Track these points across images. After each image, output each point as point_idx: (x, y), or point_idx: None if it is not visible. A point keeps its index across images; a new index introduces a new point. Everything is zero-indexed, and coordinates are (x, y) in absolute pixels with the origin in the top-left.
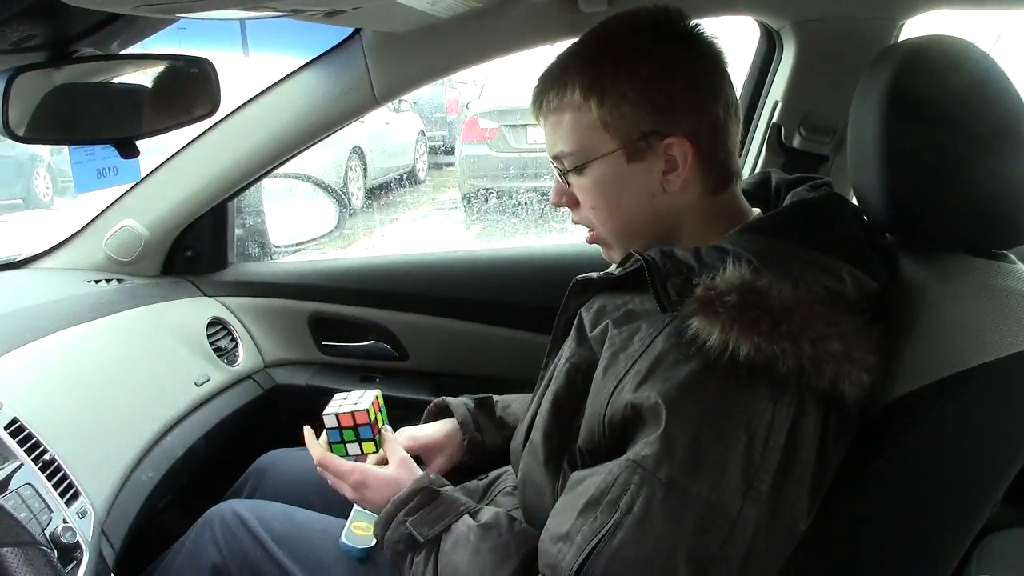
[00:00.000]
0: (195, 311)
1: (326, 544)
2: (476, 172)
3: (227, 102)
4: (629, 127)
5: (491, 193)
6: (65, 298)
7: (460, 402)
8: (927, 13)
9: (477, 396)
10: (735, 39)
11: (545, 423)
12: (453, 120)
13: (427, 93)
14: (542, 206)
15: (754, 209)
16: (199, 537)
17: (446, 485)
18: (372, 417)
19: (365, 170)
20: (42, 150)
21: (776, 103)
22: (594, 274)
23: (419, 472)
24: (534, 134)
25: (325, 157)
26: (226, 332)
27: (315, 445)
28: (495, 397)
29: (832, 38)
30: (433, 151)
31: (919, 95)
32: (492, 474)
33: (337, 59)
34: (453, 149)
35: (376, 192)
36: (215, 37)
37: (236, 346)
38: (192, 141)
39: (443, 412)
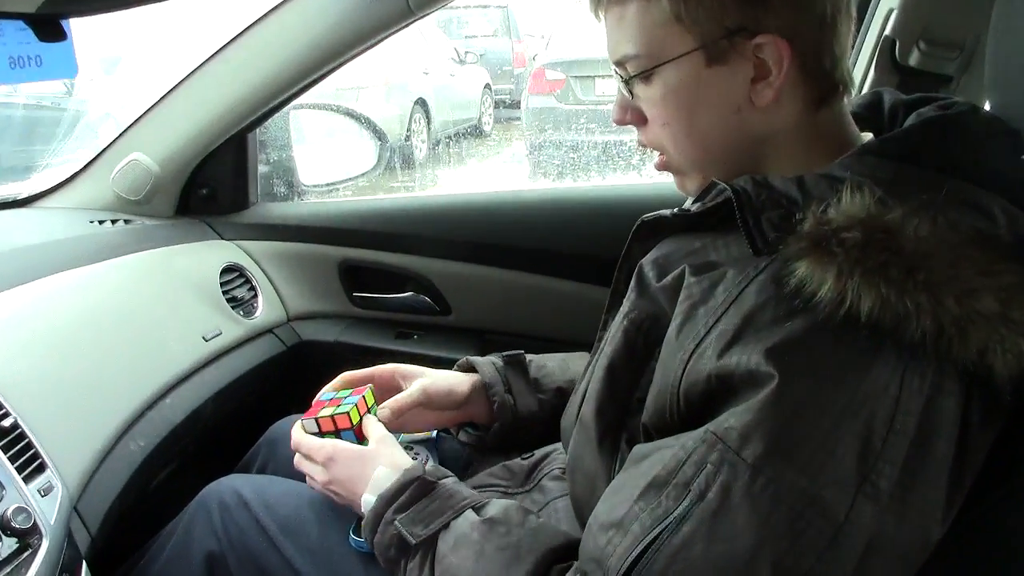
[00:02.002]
0: (208, 256)
1: (339, 532)
2: (542, 124)
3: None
4: (710, 21)
5: (558, 146)
6: (60, 240)
7: (487, 360)
8: None
9: (507, 353)
10: None
11: (598, 395)
12: (520, 73)
13: (494, 47)
14: (610, 159)
15: (865, 134)
16: (193, 520)
17: (447, 476)
18: (355, 422)
19: (429, 123)
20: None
21: (890, 11)
22: (666, 211)
23: (403, 455)
24: (602, 86)
25: (388, 109)
26: (244, 280)
27: (297, 428)
28: (528, 356)
29: None
30: (499, 105)
31: None
32: (539, 452)
33: None
34: (519, 103)
35: (440, 145)
36: None
37: (255, 296)
38: (204, 62)
39: (472, 372)
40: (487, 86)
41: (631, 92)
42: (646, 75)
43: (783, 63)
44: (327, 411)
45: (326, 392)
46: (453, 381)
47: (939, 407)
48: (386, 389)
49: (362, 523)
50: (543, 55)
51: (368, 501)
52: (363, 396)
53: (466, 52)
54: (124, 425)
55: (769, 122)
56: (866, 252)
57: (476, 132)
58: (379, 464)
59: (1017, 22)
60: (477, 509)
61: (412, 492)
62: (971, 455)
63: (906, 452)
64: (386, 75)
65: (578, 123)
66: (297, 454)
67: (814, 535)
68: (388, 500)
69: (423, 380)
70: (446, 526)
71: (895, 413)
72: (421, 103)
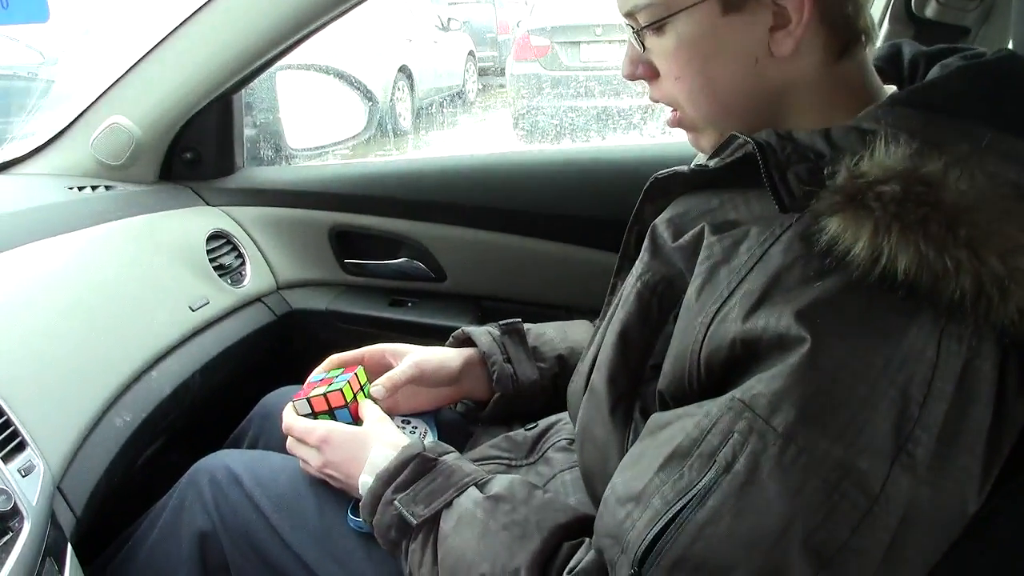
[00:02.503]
0: (193, 222)
1: (337, 510)
2: (528, 91)
3: None
4: None
5: (543, 112)
6: (37, 207)
7: (483, 330)
8: None
9: (503, 322)
10: None
11: (610, 363)
12: (504, 41)
13: (478, 13)
14: (597, 125)
15: (888, 87)
16: (183, 498)
17: (448, 452)
18: (349, 398)
19: (413, 90)
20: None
21: None
22: (682, 167)
23: (400, 434)
24: (587, 51)
25: (370, 76)
26: (231, 247)
27: (289, 411)
28: (526, 324)
29: None
30: (483, 72)
31: None
32: (543, 422)
33: None
34: (504, 70)
35: (424, 112)
36: None
37: (243, 264)
38: (185, 20)
39: (467, 344)
40: (471, 53)
41: (642, 44)
42: (658, 26)
43: (803, 10)
44: (319, 390)
45: (316, 374)
46: (444, 356)
47: (977, 371)
48: (376, 369)
49: (360, 505)
50: (527, 21)
51: (366, 483)
52: (355, 374)
53: (449, 19)
54: (109, 400)
55: (789, 73)
56: (904, 206)
57: (460, 99)
58: (376, 443)
59: None
60: (480, 486)
61: (412, 470)
62: (1008, 423)
63: (943, 419)
64: (369, 41)
65: (562, 89)
66: (289, 438)
67: (848, 508)
68: (387, 480)
69: (414, 355)
70: (448, 504)
71: (932, 378)
72: (404, 70)
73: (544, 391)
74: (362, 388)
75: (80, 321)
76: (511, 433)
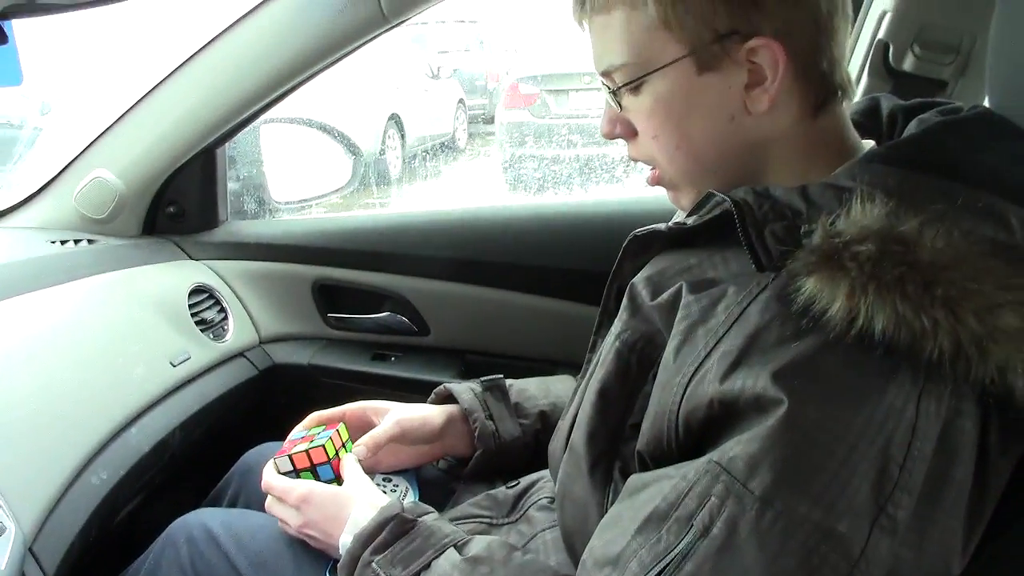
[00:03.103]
0: (176, 276)
1: (316, 570)
2: (517, 139)
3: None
4: (699, 26)
5: (532, 160)
6: (18, 261)
7: (465, 387)
8: None
9: (485, 378)
10: None
11: (589, 421)
12: (494, 89)
13: (468, 61)
14: (586, 175)
15: (866, 141)
16: (160, 557)
17: (427, 512)
18: (331, 455)
19: (403, 138)
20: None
21: (883, 14)
22: (660, 225)
23: (379, 495)
24: (576, 99)
25: (361, 123)
26: (213, 302)
27: (269, 469)
28: (508, 380)
29: None
30: (473, 120)
31: None
32: (525, 480)
33: None
34: (494, 118)
35: (414, 160)
36: None
37: (225, 318)
38: (169, 74)
39: (449, 400)
40: (461, 101)
41: (619, 104)
42: (634, 85)
43: (779, 67)
44: (301, 447)
45: (297, 432)
46: (426, 413)
47: (958, 431)
48: (358, 427)
49: (339, 566)
50: (516, 69)
51: (345, 543)
52: (336, 430)
53: (439, 67)
54: (85, 458)
55: (766, 130)
56: (881, 266)
57: (451, 147)
58: (356, 504)
59: (1021, 23)
60: (459, 547)
61: (390, 531)
62: (991, 482)
63: (924, 480)
64: (359, 90)
65: (551, 138)
66: (269, 497)
67: (828, 572)
68: (365, 540)
69: (396, 413)
70: (427, 566)
71: (912, 439)
72: (395, 118)
73: (527, 447)
74: (344, 445)
75: (57, 379)
76: (493, 491)
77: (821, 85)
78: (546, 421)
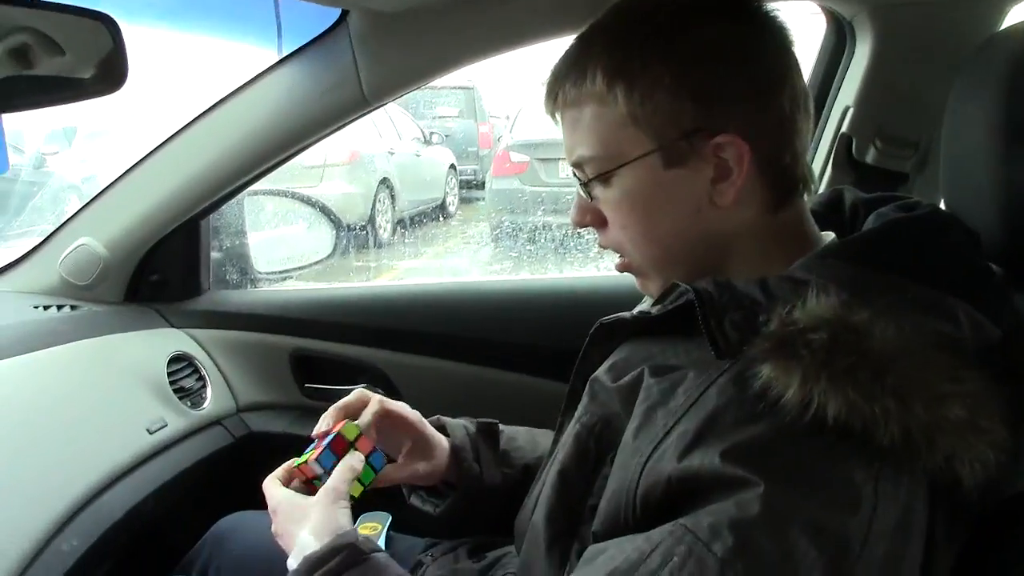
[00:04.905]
0: (155, 344)
1: None
2: (506, 206)
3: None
4: (666, 122)
5: (521, 228)
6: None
7: (459, 423)
8: None
9: (481, 420)
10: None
11: (548, 501)
12: (485, 154)
13: (460, 127)
14: (574, 242)
15: (826, 233)
16: None
17: (378, 550)
18: (320, 473)
19: (394, 202)
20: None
21: (846, 109)
22: (625, 314)
23: (346, 520)
24: (566, 168)
25: (353, 187)
26: (192, 369)
27: (272, 478)
28: (501, 426)
29: (918, 27)
30: (464, 185)
31: None
32: (491, 556)
33: (322, 51)
34: (484, 183)
35: (405, 225)
36: (246, 30)
37: (203, 386)
38: (156, 148)
39: (440, 432)
40: (452, 166)
41: (589, 194)
42: (604, 177)
43: (743, 162)
44: (303, 457)
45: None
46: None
47: (914, 513)
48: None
49: None
50: (507, 137)
51: (291, 566)
52: (339, 433)
53: (431, 132)
54: (56, 524)
55: (731, 222)
56: (833, 354)
57: (442, 212)
58: (309, 523)
59: (968, 122)
60: None
61: (341, 560)
62: (937, 567)
63: (883, 559)
64: (351, 154)
65: (541, 206)
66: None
67: None
68: (313, 564)
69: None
70: None
71: (872, 519)
72: (386, 183)
73: (502, 499)
74: (350, 444)
75: (31, 442)
76: (458, 566)
77: (783, 179)
78: (528, 475)
